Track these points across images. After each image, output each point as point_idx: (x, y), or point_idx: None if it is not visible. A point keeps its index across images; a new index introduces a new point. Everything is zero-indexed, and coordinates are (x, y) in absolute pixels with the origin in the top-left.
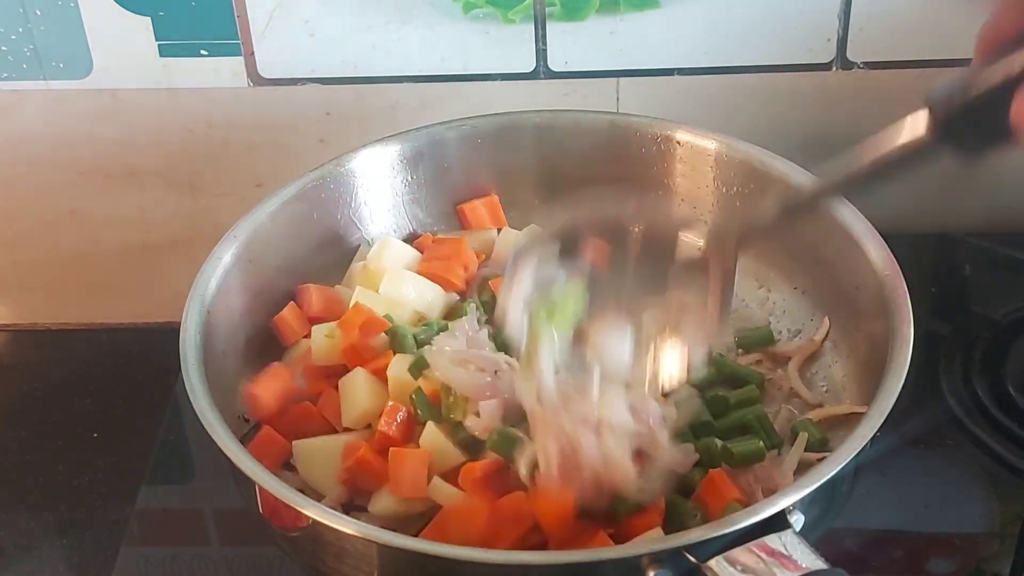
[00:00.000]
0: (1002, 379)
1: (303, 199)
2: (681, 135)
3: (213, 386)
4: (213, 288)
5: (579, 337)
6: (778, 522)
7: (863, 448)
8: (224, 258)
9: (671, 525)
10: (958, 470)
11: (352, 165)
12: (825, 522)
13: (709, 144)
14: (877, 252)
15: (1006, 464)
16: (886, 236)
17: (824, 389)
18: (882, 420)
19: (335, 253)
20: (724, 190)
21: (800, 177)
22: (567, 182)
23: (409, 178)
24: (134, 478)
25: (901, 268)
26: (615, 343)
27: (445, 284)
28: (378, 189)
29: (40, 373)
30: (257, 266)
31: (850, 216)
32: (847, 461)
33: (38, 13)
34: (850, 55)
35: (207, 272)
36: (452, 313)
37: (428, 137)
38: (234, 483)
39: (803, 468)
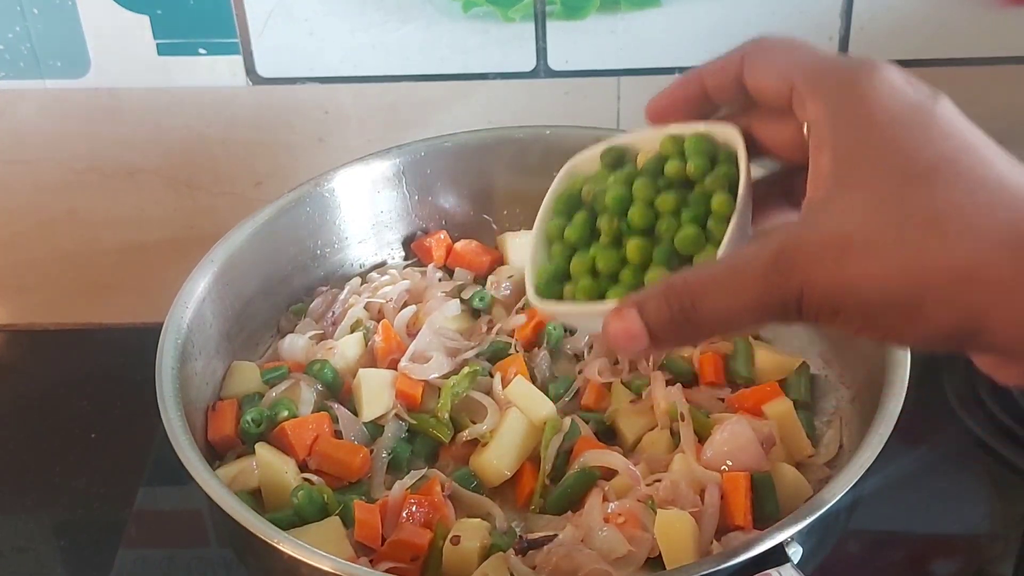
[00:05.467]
0: None
1: (281, 220)
2: None
3: (190, 415)
4: (190, 316)
5: None
6: (776, 556)
7: (860, 478)
8: (201, 284)
9: None
10: (960, 471)
11: (331, 185)
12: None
13: None
14: None
15: (1009, 465)
16: None
17: (824, 419)
18: (880, 449)
19: (315, 275)
20: None
21: None
22: None
23: (390, 197)
24: (132, 479)
25: None
26: None
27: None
28: (358, 209)
29: (38, 373)
30: (234, 289)
31: None
32: (846, 491)
33: (35, 12)
34: (852, 54)
35: (183, 299)
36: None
37: (409, 155)
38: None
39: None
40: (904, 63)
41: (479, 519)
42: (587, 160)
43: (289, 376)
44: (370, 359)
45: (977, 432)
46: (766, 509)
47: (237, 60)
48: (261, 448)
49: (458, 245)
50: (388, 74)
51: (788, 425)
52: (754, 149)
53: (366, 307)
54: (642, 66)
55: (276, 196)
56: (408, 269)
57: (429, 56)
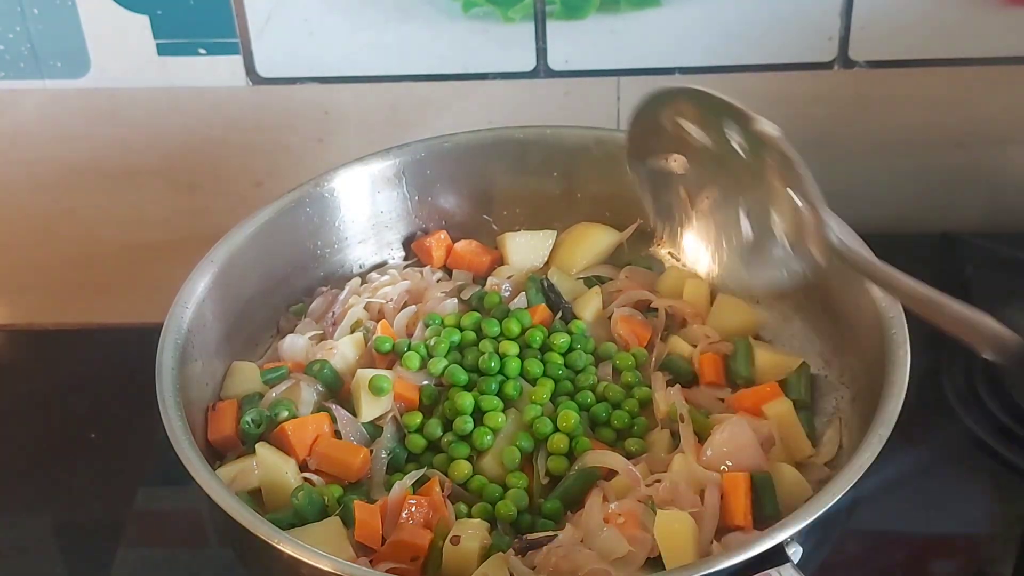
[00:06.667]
0: (1005, 380)
1: (281, 220)
2: None
3: (190, 415)
4: (190, 316)
5: None
6: (776, 556)
7: (860, 478)
8: (201, 284)
9: None
10: (960, 472)
11: (331, 185)
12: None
13: None
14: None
15: (1008, 465)
16: (888, 237)
17: (824, 419)
18: (879, 449)
19: (315, 275)
20: None
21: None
22: (552, 199)
23: (390, 197)
24: (132, 479)
25: (902, 269)
26: None
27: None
28: (358, 209)
29: (37, 373)
30: (234, 290)
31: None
32: (846, 491)
33: (36, 12)
34: (852, 54)
35: (183, 299)
36: None
37: (409, 155)
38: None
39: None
40: (904, 63)
41: (479, 519)
42: None
43: (289, 376)
44: (369, 359)
45: (977, 432)
46: (766, 509)
47: (237, 60)
48: (261, 448)
49: (458, 245)
50: (388, 74)
51: (788, 425)
52: None
53: (366, 307)
54: (642, 66)
55: (276, 196)
56: (408, 269)
57: (429, 56)
